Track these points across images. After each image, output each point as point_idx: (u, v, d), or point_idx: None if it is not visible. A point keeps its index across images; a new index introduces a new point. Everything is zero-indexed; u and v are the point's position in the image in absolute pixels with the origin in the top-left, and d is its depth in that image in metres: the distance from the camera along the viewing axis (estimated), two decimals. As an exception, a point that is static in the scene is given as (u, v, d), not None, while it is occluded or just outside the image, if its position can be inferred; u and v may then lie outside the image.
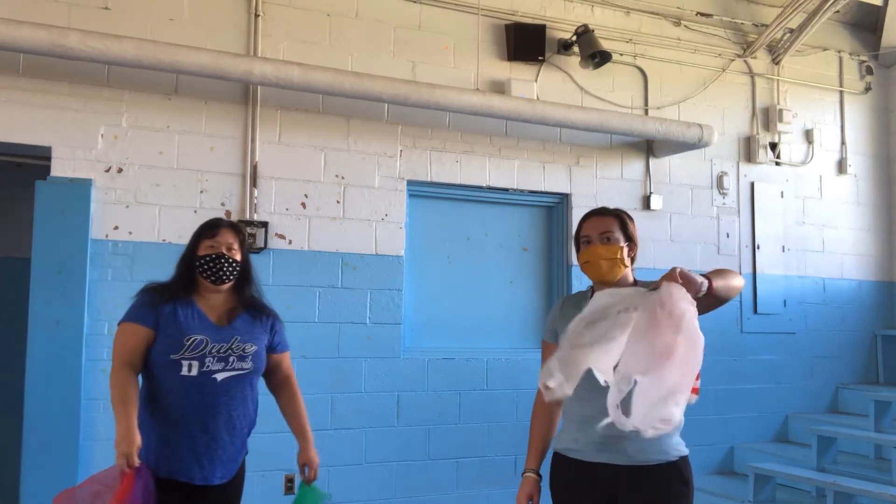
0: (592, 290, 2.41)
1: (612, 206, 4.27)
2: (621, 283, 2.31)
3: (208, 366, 2.42)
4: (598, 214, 2.39)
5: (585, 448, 2.23)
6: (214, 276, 2.51)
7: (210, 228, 2.57)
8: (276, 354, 2.68)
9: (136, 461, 2.21)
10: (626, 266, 2.32)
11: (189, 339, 2.42)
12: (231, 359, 2.47)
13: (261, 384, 2.68)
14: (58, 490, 2.34)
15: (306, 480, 2.67)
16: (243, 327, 2.55)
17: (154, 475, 2.34)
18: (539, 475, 2.36)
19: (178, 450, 2.39)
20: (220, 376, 2.44)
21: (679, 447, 2.24)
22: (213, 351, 2.44)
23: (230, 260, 2.52)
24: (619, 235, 2.33)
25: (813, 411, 5.60)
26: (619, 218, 2.37)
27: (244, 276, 2.61)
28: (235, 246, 2.56)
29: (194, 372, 2.40)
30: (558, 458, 2.34)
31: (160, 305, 2.45)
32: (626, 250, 2.32)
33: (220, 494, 2.50)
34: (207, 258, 2.50)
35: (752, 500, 4.64)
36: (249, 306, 2.61)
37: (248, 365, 2.51)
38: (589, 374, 1.93)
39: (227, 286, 2.56)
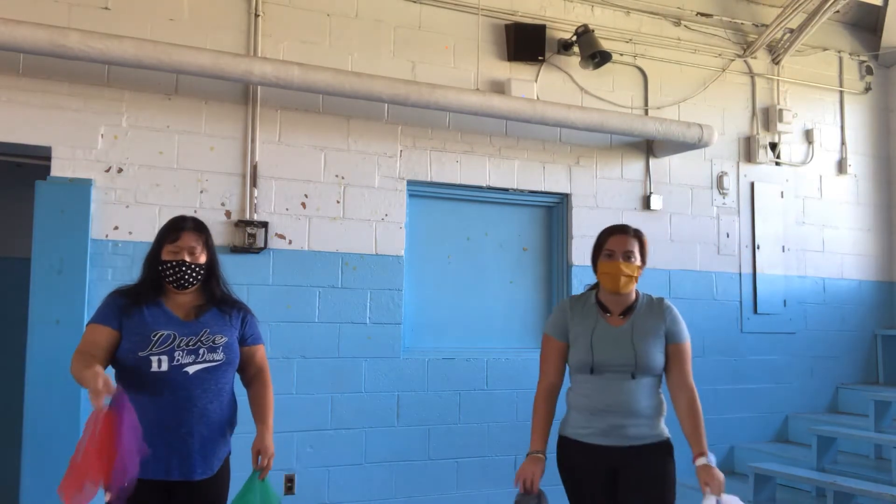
0: (596, 295, 2.77)
1: (612, 206, 4.69)
2: (628, 296, 2.72)
3: (178, 360, 2.40)
4: (622, 233, 2.76)
5: (593, 434, 2.61)
6: (177, 283, 2.50)
7: (172, 231, 2.54)
8: (247, 347, 2.62)
9: (112, 387, 2.15)
10: (636, 283, 2.73)
11: (156, 334, 2.40)
12: (201, 351, 2.44)
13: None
14: None
15: (259, 470, 2.52)
16: (212, 321, 2.53)
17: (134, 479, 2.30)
18: (545, 456, 2.64)
19: (155, 448, 2.34)
20: (191, 369, 2.41)
21: (664, 430, 2.67)
22: (181, 344, 2.42)
23: (193, 266, 2.51)
24: (638, 256, 2.73)
25: (813, 411, 5.61)
26: (640, 240, 2.78)
27: (211, 274, 2.59)
28: (199, 248, 2.53)
29: (164, 367, 2.38)
30: (566, 442, 2.68)
31: (126, 307, 2.44)
32: (640, 270, 2.73)
33: (202, 490, 2.46)
34: (170, 264, 2.49)
35: (752, 500, 4.63)
36: (219, 302, 2.59)
37: (219, 356, 2.47)
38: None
39: (190, 289, 2.54)
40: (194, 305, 2.54)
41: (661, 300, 2.77)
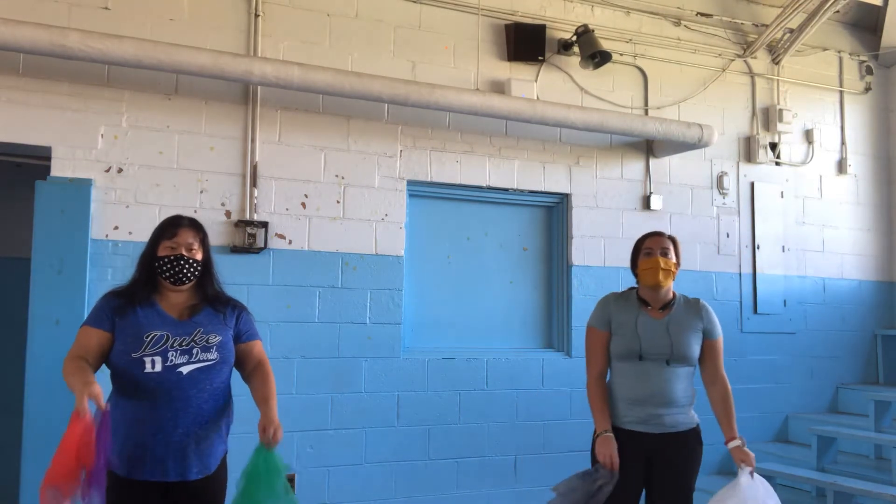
0: (638, 293, 3.05)
1: (612, 206, 4.86)
2: (667, 291, 3.00)
3: (172, 360, 2.39)
4: (658, 235, 3.09)
5: (632, 421, 2.90)
6: (174, 278, 2.49)
7: (170, 228, 2.54)
8: (243, 343, 2.61)
9: (102, 403, 2.17)
10: (673, 279, 2.99)
11: (148, 335, 2.39)
12: (195, 350, 2.43)
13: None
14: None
15: (266, 443, 2.44)
16: (206, 320, 2.52)
17: (129, 480, 2.33)
18: (613, 433, 2.91)
19: (150, 449, 2.36)
20: (185, 369, 2.40)
21: (696, 417, 2.99)
22: (174, 345, 2.41)
23: (190, 261, 2.51)
24: (674, 253, 3.02)
25: (813, 411, 5.60)
26: (674, 242, 3.07)
27: (205, 273, 2.58)
28: (196, 245, 2.54)
29: (158, 368, 2.37)
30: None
31: (119, 308, 2.43)
32: (676, 266, 3.01)
33: (199, 490, 2.46)
34: (167, 259, 2.48)
35: None
36: (212, 301, 2.58)
37: (213, 356, 2.46)
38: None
39: (187, 286, 2.54)
40: (188, 305, 2.53)
41: (697, 300, 3.06)
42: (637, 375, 2.90)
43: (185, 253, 2.50)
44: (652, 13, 5.38)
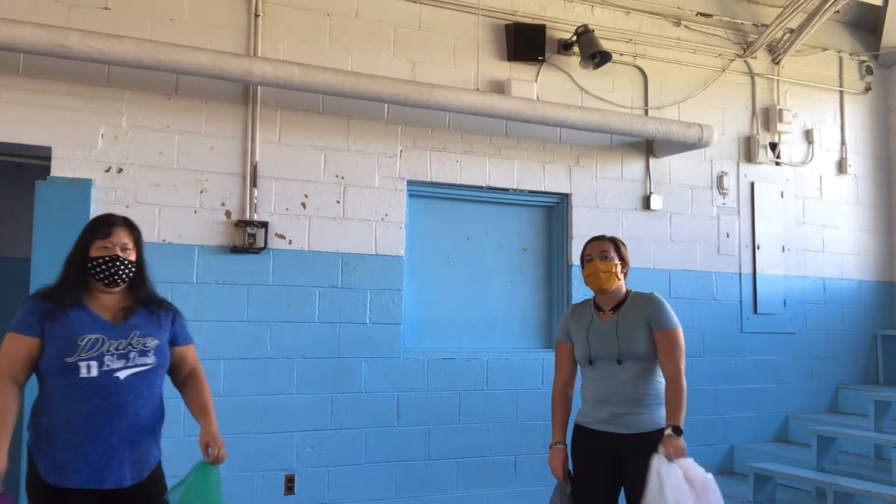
0: (594, 300, 3.08)
1: (612, 206, 4.87)
2: (616, 292, 3.01)
3: (108, 364, 2.31)
4: (597, 239, 3.10)
5: (598, 421, 2.94)
6: (108, 280, 2.39)
7: (103, 227, 2.44)
8: (178, 347, 2.55)
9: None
10: (619, 279, 3.01)
11: (83, 339, 2.31)
12: (132, 355, 2.36)
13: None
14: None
15: (212, 461, 2.42)
16: (142, 322, 2.44)
17: (62, 489, 2.28)
18: (566, 445, 3.01)
19: (85, 456, 2.29)
20: (122, 374, 2.33)
21: (664, 418, 2.89)
22: (111, 349, 2.33)
23: (125, 262, 2.41)
24: (613, 255, 3.02)
25: (813, 411, 5.60)
26: (614, 242, 3.08)
27: (138, 274, 2.49)
28: (130, 245, 2.45)
29: (94, 373, 2.29)
30: (577, 428, 3.04)
31: (47, 312, 2.33)
32: (619, 267, 3.01)
33: (136, 497, 2.39)
34: (101, 260, 2.39)
35: (752, 500, 4.64)
36: (146, 302, 2.50)
37: (150, 360, 2.40)
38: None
39: (120, 288, 2.45)
40: (121, 307, 2.45)
41: (649, 295, 3.03)
42: (595, 378, 2.97)
43: (119, 253, 2.41)
44: (652, 13, 5.38)
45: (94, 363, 2.30)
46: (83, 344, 2.31)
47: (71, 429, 2.29)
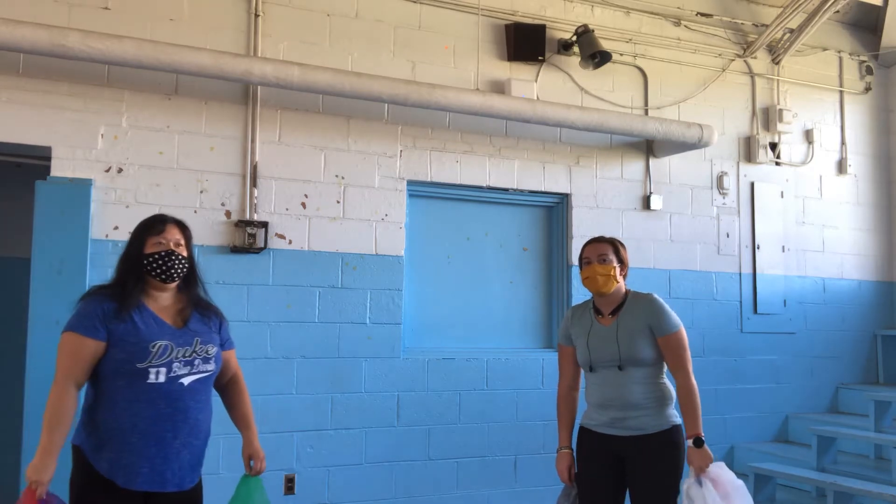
0: (593, 302, 3.07)
1: (612, 206, 4.85)
2: (615, 294, 2.99)
3: (175, 371, 2.37)
4: (596, 241, 3.07)
5: (600, 424, 2.94)
6: (165, 274, 2.43)
7: (156, 224, 2.50)
8: (224, 351, 2.61)
9: (44, 493, 2.17)
10: (618, 282, 2.98)
11: (154, 345, 2.35)
12: (196, 362, 2.43)
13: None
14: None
15: (253, 473, 2.59)
16: (201, 328, 2.50)
17: (127, 491, 2.29)
18: (572, 449, 3.02)
19: (149, 459, 2.32)
20: (186, 380, 2.39)
21: (672, 418, 2.90)
22: (178, 356, 2.38)
23: (179, 257, 2.46)
24: (612, 257, 2.99)
25: (813, 411, 5.61)
26: (613, 244, 3.04)
27: (190, 273, 2.55)
28: (182, 242, 2.51)
29: (162, 378, 2.34)
30: (582, 431, 3.04)
31: (112, 313, 2.36)
32: (618, 269, 2.98)
33: (191, 499, 2.46)
34: (157, 255, 2.43)
35: (752, 499, 4.63)
36: (197, 304, 2.56)
37: (211, 367, 2.47)
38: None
39: (174, 284, 2.49)
40: (177, 308, 2.50)
41: (646, 295, 3.00)
42: (596, 382, 2.97)
43: (174, 248, 2.46)
44: (652, 13, 5.38)
45: (163, 370, 2.35)
46: (154, 350, 2.35)
47: (136, 432, 2.32)
